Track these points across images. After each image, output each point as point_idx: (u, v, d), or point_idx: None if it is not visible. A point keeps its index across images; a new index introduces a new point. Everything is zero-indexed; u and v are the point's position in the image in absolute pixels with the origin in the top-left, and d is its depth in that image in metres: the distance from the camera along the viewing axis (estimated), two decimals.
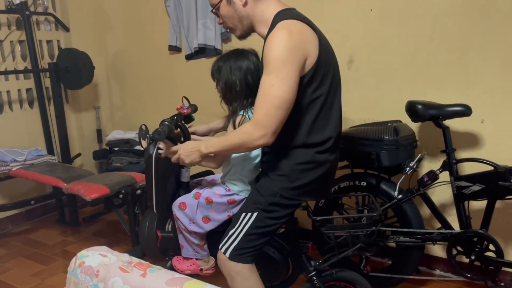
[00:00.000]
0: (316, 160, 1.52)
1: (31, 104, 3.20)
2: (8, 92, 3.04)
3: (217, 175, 1.92)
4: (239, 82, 1.57)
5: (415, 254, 2.06)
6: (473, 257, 1.91)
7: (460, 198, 1.93)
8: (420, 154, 2.00)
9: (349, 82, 2.39)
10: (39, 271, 2.53)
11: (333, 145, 1.56)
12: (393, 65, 2.26)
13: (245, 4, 1.52)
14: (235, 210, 1.68)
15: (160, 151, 1.63)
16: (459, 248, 1.97)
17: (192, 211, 1.68)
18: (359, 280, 1.76)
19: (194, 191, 1.73)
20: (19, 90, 3.11)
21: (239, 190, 1.67)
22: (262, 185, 1.58)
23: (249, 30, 1.59)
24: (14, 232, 3.08)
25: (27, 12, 2.94)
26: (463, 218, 1.94)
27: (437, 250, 2.31)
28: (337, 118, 1.58)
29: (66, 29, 3.30)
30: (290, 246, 1.77)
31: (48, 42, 3.29)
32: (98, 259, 1.04)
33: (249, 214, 1.56)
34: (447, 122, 1.96)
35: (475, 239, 1.92)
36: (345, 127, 2.20)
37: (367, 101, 2.36)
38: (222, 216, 1.69)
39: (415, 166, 1.95)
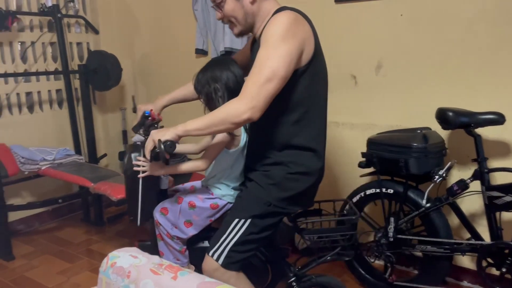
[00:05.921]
0: (308, 170, 1.52)
1: (60, 104, 3.27)
2: (39, 92, 3.12)
3: (196, 182, 1.84)
4: (220, 87, 1.53)
5: (443, 265, 2.02)
6: (504, 270, 1.86)
7: (492, 208, 1.88)
8: (449, 162, 1.96)
9: (377, 88, 2.37)
10: (65, 269, 2.57)
11: (323, 153, 1.57)
12: (423, 71, 2.23)
13: (253, 2, 1.50)
14: (218, 215, 1.65)
15: (143, 169, 1.57)
16: (489, 260, 1.92)
17: (175, 216, 1.64)
18: (339, 286, 1.75)
19: (176, 195, 1.69)
20: (49, 91, 3.18)
21: (223, 195, 1.63)
22: (254, 193, 1.55)
23: (250, 28, 1.56)
24: (41, 230, 3.14)
25: (58, 15, 3.01)
26: (494, 229, 1.89)
27: (465, 261, 2.26)
28: (325, 125, 1.59)
29: (96, 32, 3.37)
30: (270, 252, 1.75)
31: (78, 44, 3.36)
32: (129, 260, 1.05)
33: (242, 221, 1.52)
34: (479, 130, 1.92)
35: (507, 251, 1.87)
36: (372, 133, 2.19)
37: (395, 107, 2.33)
38: (205, 221, 1.65)
39: (444, 175, 1.92)
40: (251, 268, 1.70)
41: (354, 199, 2.18)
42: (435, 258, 2.01)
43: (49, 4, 3.07)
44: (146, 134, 1.61)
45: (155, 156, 1.46)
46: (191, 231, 1.65)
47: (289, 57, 1.36)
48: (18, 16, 2.83)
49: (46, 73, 3.13)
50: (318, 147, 1.55)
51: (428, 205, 1.98)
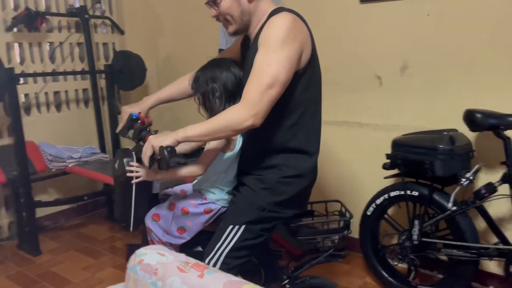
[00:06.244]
0: (300, 173, 1.50)
1: (86, 103, 3.34)
2: (66, 92, 3.19)
3: (186, 185, 1.79)
4: (218, 88, 1.50)
5: (469, 269, 1.98)
6: None
7: None
8: (477, 165, 1.92)
9: (402, 89, 2.34)
10: (90, 265, 2.62)
11: (317, 154, 1.55)
12: (450, 71, 2.19)
13: (251, 0, 1.47)
14: (212, 220, 1.62)
15: (137, 174, 1.52)
16: None
17: (167, 222, 1.62)
18: (332, 287, 1.73)
19: (168, 201, 1.67)
20: (76, 90, 3.25)
21: (216, 199, 1.60)
22: (247, 198, 1.52)
23: (246, 27, 1.52)
24: (66, 226, 3.21)
25: (86, 16, 3.07)
26: None
27: (492, 265, 2.21)
28: (320, 126, 1.57)
29: (121, 32, 3.42)
30: (262, 255, 1.73)
31: (104, 44, 3.42)
32: (156, 258, 1.06)
33: (236, 227, 1.49)
34: (508, 132, 1.88)
35: None
36: (396, 134, 2.16)
37: (421, 109, 2.29)
38: (198, 227, 1.62)
39: (472, 178, 1.88)
40: (243, 271, 1.68)
41: (378, 201, 2.16)
42: (460, 262, 1.97)
43: (77, 5, 3.14)
44: (138, 139, 1.57)
45: (153, 162, 1.43)
46: (185, 237, 1.63)
47: (289, 62, 1.34)
48: (47, 17, 2.90)
49: (73, 72, 3.20)
50: (313, 149, 1.54)
51: (454, 208, 1.94)
